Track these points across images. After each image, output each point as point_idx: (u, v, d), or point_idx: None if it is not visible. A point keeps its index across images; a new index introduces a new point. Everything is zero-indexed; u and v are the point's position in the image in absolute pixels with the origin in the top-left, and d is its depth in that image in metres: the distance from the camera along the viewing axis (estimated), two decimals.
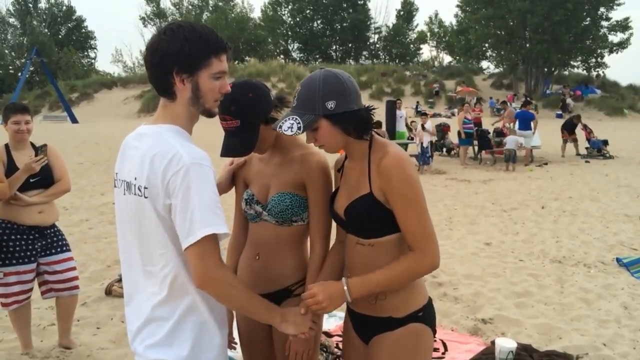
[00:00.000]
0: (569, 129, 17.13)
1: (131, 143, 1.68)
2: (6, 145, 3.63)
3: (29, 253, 3.61)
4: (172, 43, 1.56)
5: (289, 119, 1.73)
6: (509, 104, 20.44)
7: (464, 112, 15.74)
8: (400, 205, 1.73)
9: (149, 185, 1.54)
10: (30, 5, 66.26)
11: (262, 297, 1.70)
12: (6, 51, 62.34)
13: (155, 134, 1.61)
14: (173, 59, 1.56)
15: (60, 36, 66.85)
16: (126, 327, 1.76)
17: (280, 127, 1.72)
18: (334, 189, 2.02)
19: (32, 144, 3.73)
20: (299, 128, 1.70)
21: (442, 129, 17.33)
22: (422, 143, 13.58)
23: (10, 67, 61.11)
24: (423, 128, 13.90)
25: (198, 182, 1.50)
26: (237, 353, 2.45)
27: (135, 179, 1.59)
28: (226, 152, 2.00)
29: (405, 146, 15.01)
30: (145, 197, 1.56)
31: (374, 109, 1.83)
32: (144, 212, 1.58)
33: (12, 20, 65.19)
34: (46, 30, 65.53)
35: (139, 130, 1.69)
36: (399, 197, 1.72)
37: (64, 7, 68.67)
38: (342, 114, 1.72)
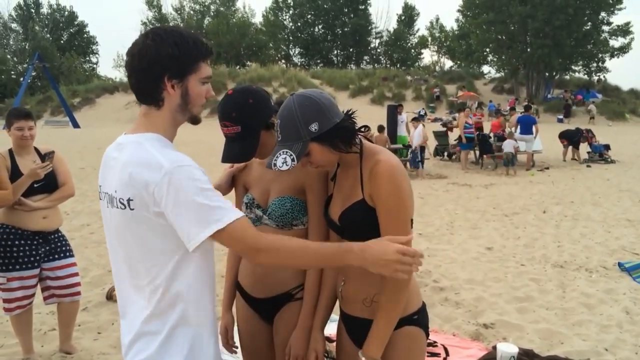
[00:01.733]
0: (571, 141, 16.98)
1: (111, 154, 1.63)
2: (10, 151, 3.63)
3: (32, 258, 3.61)
4: (162, 48, 1.51)
5: (280, 154, 1.73)
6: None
7: (465, 116, 15.77)
8: (383, 213, 1.75)
9: (133, 196, 1.49)
10: (33, 11, 66.58)
11: (318, 243, 1.62)
12: (8, 56, 62.54)
13: (134, 143, 1.55)
14: (164, 64, 1.52)
15: (62, 41, 67.12)
16: None
17: (275, 164, 1.72)
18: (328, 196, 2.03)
19: (36, 149, 3.74)
20: (292, 160, 1.71)
21: (447, 127, 17.32)
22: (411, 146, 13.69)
23: (13, 72, 61.32)
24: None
25: (185, 183, 1.45)
26: (238, 358, 2.45)
27: (116, 191, 1.54)
28: (227, 158, 2.01)
29: (406, 150, 15.03)
30: (131, 209, 1.50)
31: (354, 112, 1.84)
32: (128, 226, 1.53)
33: (14, 25, 65.50)
34: (48, 35, 65.77)
35: (118, 140, 1.63)
36: (384, 206, 1.74)
37: (66, 13, 69.01)
38: (328, 132, 1.73)
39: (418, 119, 15.22)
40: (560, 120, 33.10)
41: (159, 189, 1.45)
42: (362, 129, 1.88)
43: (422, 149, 13.80)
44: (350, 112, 1.83)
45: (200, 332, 1.61)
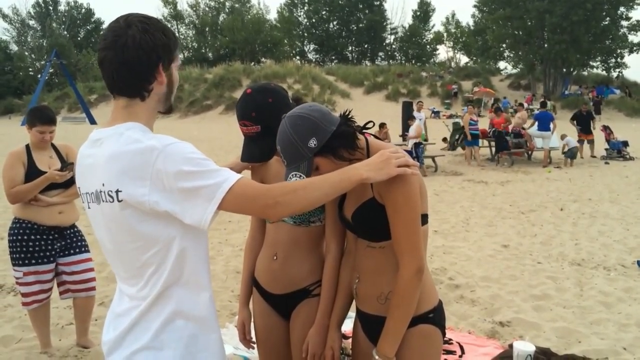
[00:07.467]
0: (583, 125, 16.80)
1: (86, 152, 1.56)
2: (27, 146, 3.68)
3: (48, 253, 3.65)
4: (155, 37, 1.49)
5: (291, 177, 1.74)
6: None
7: (469, 113, 15.81)
8: (390, 211, 1.74)
9: (122, 187, 1.42)
10: (50, 8, 67.32)
11: (324, 176, 1.58)
12: (26, 53, 63.38)
13: (115, 135, 1.48)
14: (159, 52, 1.50)
15: (79, 38, 67.86)
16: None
17: None
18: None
19: (53, 145, 3.78)
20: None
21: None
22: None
23: (30, 69, 62.09)
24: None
25: (181, 157, 1.40)
26: (254, 353, 2.46)
27: (103, 184, 1.46)
28: (248, 157, 2.01)
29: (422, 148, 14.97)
30: (119, 201, 1.43)
31: (349, 112, 1.82)
32: (118, 219, 1.46)
33: (32, 22, 66.29)
34: (65, 32, 66.49)
35: (93, 137, 1.56)
36: (391, 203, 1.73)
37: (83, 10, 69.71)
38: (327, 142, 1.73)
39: (413, 117, 15.09)
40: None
41: (158, 171, 1.39)
42: (367, 126, 1.86)
43: (417, 145, 13.62)
44: (346, 114, 1.81)
45: (200, 323, 1.55)
